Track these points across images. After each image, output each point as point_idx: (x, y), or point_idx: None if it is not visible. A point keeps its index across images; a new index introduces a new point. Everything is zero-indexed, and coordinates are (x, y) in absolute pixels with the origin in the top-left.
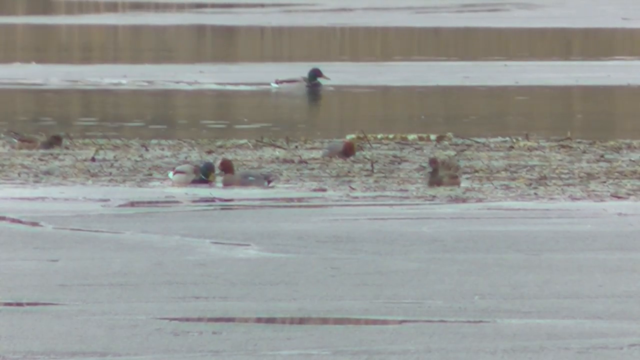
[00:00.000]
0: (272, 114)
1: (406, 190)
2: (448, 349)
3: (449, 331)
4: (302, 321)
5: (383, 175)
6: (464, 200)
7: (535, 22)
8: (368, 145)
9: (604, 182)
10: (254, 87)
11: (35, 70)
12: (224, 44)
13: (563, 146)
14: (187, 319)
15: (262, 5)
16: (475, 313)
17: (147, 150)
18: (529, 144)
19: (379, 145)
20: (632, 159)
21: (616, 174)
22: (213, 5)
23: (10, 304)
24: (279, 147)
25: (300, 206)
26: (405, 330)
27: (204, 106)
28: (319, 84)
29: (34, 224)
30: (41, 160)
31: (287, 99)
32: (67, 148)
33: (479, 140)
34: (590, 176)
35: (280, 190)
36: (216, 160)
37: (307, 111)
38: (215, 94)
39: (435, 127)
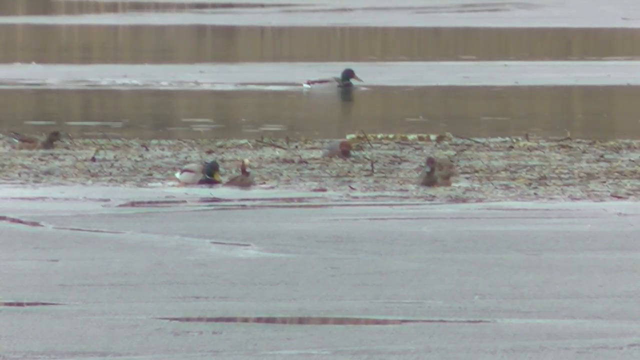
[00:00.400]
0: (271, 114)
1: (406, 190)
2: (448, 349)
3: (449, 331)
4: (302, 321)
5: (383, 175)
6: (464, 200)
7: (535, 22)
8: (368, 145)
9: (604, 182)
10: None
11: (35, 70)
12: (224, 44)
13: (563, 146)
14: (187, 319)
15: (262, 5)
16: (475, 313)
17: (147, 150)
18: (529, 144)
19: (379, 145)
20: (632, 159)
21: (616, 174)
22: (213, 5)
23: (10, 304)
24: (279, 147)
25: (300, 206)
26: (405, 330)
27: (204, 106)
28: (350, 85)
29: (34, 223)
30: (41, 160)
31: (315, 99)
32: (67, 148)
33: (478, 140)
34: (590, 176)
35: (281, 190)
36: (216, 159)
37: (307, 111)
38: (215, 94)
39: (435, 127)
